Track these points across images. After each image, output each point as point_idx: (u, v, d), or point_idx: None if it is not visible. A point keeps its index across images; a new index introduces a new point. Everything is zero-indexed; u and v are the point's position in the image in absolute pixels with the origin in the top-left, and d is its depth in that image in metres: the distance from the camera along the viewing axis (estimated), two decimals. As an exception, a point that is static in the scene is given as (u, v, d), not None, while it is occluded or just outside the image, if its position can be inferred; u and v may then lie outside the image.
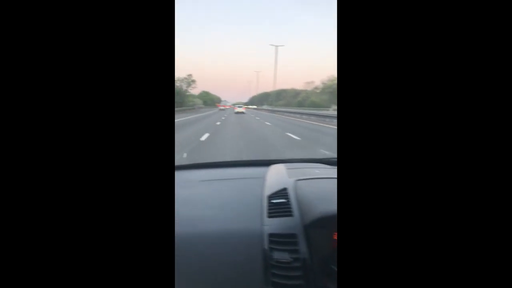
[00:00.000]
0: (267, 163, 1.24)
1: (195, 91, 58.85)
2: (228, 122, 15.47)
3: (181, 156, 4.88)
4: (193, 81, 51.57)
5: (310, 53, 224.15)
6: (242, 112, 30.17)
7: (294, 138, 8.33)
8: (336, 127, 0.58)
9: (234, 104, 64.06)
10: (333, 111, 26.45)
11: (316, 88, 70.31)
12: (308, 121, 17.40)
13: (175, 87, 43.02)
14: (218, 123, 14.65)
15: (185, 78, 50.44)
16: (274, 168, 1.14)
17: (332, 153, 5.09)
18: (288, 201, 0.78)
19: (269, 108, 55.90)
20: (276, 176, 1.01)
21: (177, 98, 40.08)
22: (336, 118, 4.38)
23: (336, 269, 0.61)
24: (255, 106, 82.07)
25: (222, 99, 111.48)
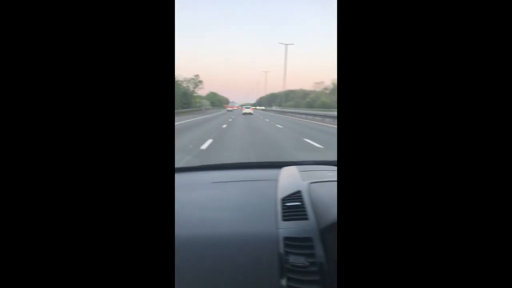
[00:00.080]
0: (279, 165, 1.24)
1: (202, 92, 58.49)
2: (234, 125, 14.12)
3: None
4: (200, 81, 51.02)
5: (319, 53, 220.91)
6: (250, 113, 32.04)
7: (315, 146, 6.86)
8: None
9: (241, 105, 63.80)
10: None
11: (325, 88, 69.18)
12: (322, 124, 16.02)
13: (182, 87, 42.35)
14: (225, 125, 13.40)
15: (192, 79, 49.85)
16: (286, 170, 1.13)
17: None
18: (303, 204, 0.77)
19: (278, 109, 54.97)
20: (289, 179, 1.01)
21: (184, 99, 39.45)
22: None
23: None
24: (263, 107, 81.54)
25: (230, 100, 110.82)
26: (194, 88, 49.30)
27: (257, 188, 1.00)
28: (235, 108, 63.28)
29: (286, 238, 0.65)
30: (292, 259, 0.61)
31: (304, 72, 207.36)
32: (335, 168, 1.18)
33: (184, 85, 45.47)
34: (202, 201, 0.88)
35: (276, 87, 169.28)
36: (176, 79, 40.01)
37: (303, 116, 24.92)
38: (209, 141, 7.24)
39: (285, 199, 0.82)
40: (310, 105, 55.46)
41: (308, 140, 7.89)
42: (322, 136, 9.35)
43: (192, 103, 43.48)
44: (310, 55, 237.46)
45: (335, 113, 21.29)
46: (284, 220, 0.72)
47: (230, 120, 18.64)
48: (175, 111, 26.17)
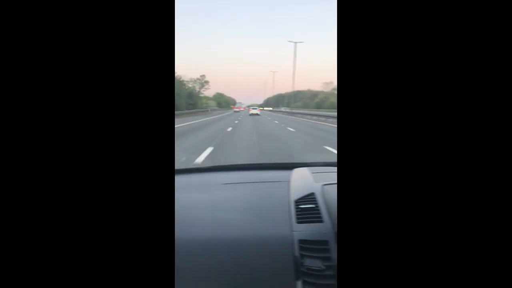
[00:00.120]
0: (290, 166, 1.21)
1: (209, 92, 57.60)
2: (241, 129, 12.80)
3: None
4: (206, 81, 50.06)
5: (328, 52, 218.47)
6: (257, 114, 32.08)
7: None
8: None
9: (249, 106, 62.46)
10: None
11: (334, 88, 67.60)
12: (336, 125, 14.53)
13: (187, 88, 41.31)
14: (229, 129, 12.11)
15: (198, 79, 48.88)
16: (298, 171, 1.12)
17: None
18: (317, 206, 0.77)
19: (287, 110, 53.58)
20: (301, 180, 1.00)
21: (189, 100, 38.35)
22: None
23: None
24: (270, 108, 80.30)
25: (237, 101, 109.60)
26: (200, 88, 48.32)
27: (269, 190, 0.99)
28: (242, 109, 62.05)
29: (302, 241, 0.64)
30: (308, 262, 0.61)
31: (312, 72, 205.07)
32: None
33: (190, 85, 44.52)
34: (213, 203, 0.88)
35: (284, 88, 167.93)
36: (181, 79, 39.05)
37: (314, 117, 23.81)
38: (209, 150, 5.90)
39: (299, 201, 0.81)
40: (319, 106, 54.05)
41: (329, 148, 6.52)
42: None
43: (198, 104, 42.48)
44: (319, 55, 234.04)
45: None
46: (299, 222, 0.71)
47: (236, 122, 17.41)
48: (179, 112, 25.40)
